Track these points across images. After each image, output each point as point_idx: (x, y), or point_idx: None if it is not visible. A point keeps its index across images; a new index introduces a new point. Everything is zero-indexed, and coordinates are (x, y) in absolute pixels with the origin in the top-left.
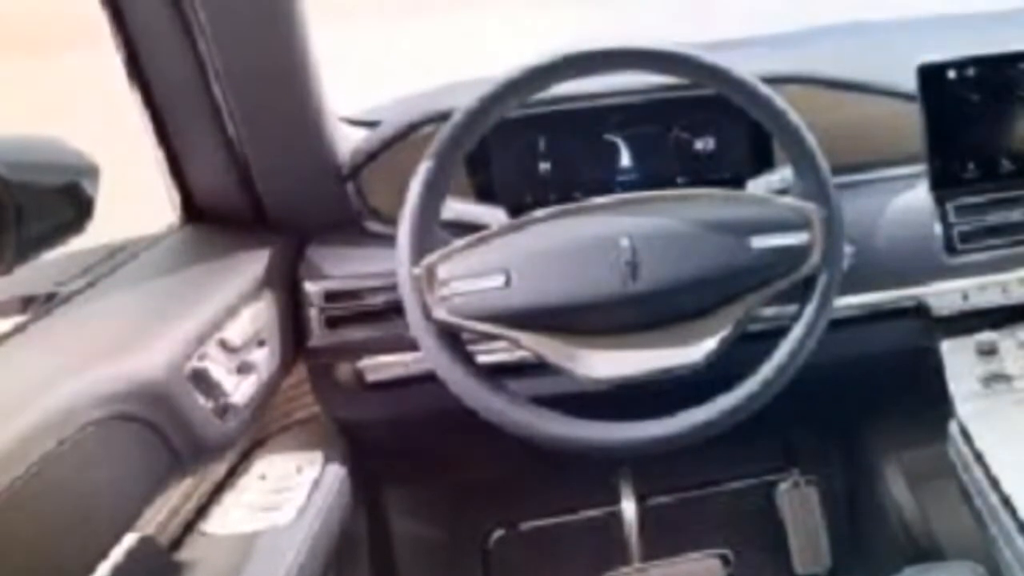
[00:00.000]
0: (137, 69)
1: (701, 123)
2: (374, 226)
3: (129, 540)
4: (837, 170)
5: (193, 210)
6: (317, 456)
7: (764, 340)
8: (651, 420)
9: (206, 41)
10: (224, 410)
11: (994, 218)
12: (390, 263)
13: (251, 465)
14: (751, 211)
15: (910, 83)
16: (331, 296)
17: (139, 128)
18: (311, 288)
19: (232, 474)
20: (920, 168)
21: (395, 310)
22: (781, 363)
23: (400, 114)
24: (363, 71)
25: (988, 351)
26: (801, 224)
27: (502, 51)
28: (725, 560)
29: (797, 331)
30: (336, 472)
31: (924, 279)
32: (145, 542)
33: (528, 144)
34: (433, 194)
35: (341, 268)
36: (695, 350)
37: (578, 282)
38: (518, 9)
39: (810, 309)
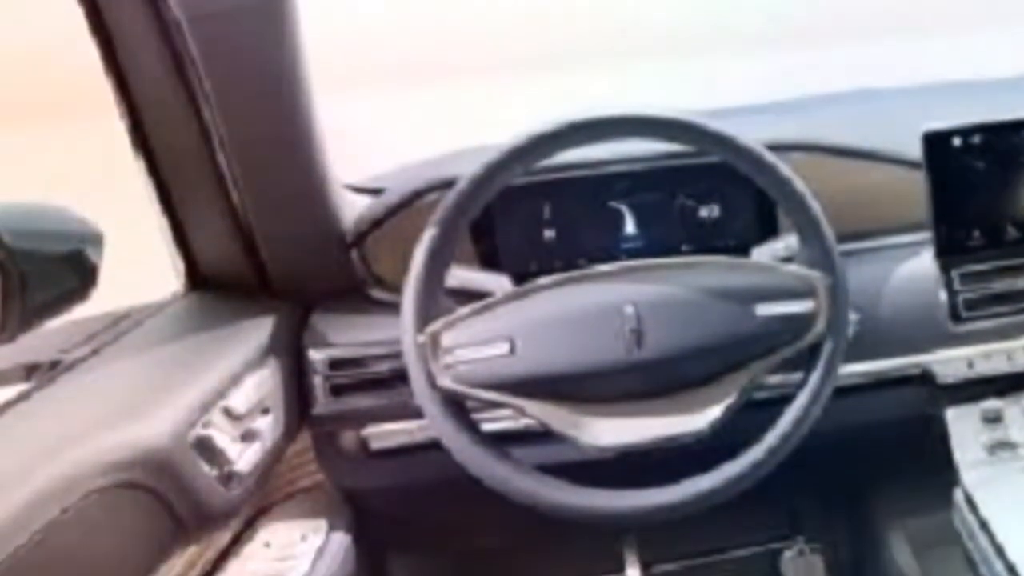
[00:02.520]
0: (141, 137)
1: (706, 190)
2: (378, 294)
3: None
4: (842, 238)
5: (197, 278)
6: (321, 524)
7: (769, 408)
8: (656, 488)
9: (211, 109)
10: (228, 478)
11: (999, 286)
12: (394, 331)
13: (255, 533)
14: (756, 279)
15: (915, 150)
16: (335, 364)
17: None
18: (315, 356)
19: (236, 542)
20: (925, 236)
21: (400, 378)
22: (786, 431)
23: (404, 182)
24: (367, 139)
25: (993, 419)
26: (806, 292)
27: (506, 119)
28: None
29: (802, 399)
30: (340, 540)
31: (929, 347)
32: None
33: (533, 211)
34: (437, 262)
35: (345, 336)
36: (700, 418)
37: (583, 350)
38: (521, 77)
39: (815, 377)
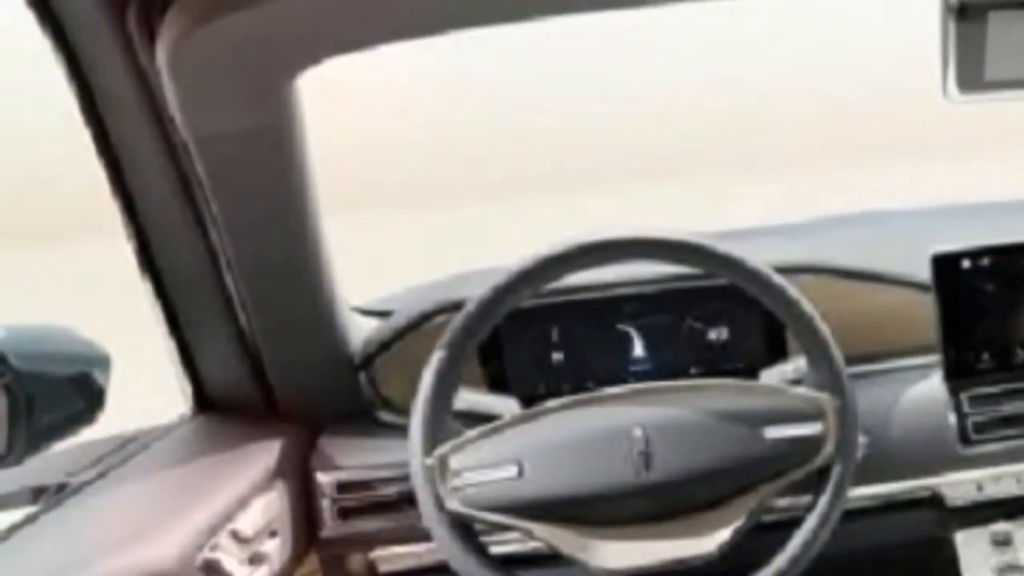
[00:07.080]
0: (148, 259)
1: (714, 313)
2: (386, 416)
3: None
4: (851, 360)
5: (205, 400)
6: None
7: (778, 531)
8: None
9: (218, 231)
10: None
11: (1008, 408)
12: (402, 453)
13: None
14: (765, 401)
15: (924, 273)
16: (343, 487)
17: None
18: (323, 478)
19: None
20: (934, 358)
21: (408, 501)
22: (795, 554)
23: (413, 304)
24: (376, 261)
25: (1003, 542)
26: (815, 414)
27: (513, 239)
28: None
29: (811, 522)
30: None
31: (938, 469)
32: None
33: (541, 334)
34: (445, 384)
35: (353, 458)
36: (709, 541)
37: (591, 473)
38: (530, 200)
39: (824, 500)
